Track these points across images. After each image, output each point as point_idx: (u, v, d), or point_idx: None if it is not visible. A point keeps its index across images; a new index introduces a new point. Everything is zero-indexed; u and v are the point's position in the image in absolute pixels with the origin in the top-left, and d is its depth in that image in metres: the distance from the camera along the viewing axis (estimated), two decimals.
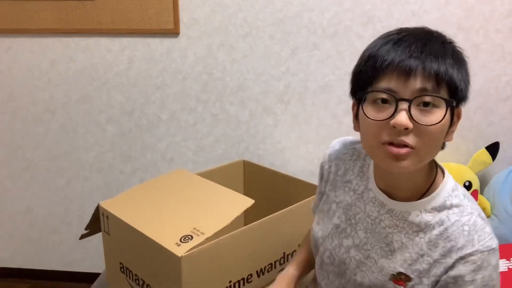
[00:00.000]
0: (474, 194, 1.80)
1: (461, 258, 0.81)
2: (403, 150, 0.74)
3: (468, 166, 1.83)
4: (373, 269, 0.89)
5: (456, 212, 0.83)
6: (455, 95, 0.77)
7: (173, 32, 1.92)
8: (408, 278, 0.85)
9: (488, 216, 1.80)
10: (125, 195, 1.37)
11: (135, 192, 1.39)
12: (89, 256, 2.27)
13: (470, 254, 0.80)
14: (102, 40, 1.98)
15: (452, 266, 0.81)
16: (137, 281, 1.24)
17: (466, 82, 0.80)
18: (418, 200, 0.85)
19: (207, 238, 1.11)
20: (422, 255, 0.84)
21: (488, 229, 0.82)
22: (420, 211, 0.84)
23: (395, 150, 0.74)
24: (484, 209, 1.81)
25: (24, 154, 2.16)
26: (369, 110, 0.78)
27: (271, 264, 1.30)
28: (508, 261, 1.53)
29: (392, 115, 0.74)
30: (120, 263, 1.29)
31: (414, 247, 0.85)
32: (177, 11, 1.90)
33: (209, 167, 1.72)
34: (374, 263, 0.89)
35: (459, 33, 1.81)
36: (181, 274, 1.05)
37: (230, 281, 1.19)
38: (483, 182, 1.88)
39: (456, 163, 1.86)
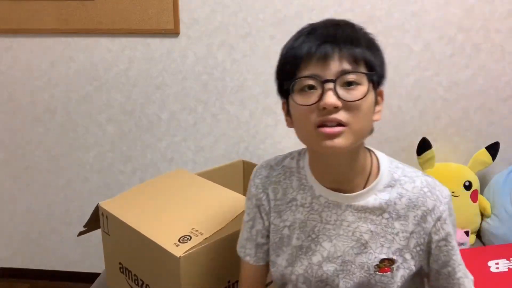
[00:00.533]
0: (474, 194, 1.80)
1: (439, 218, 0.86)
2: (337, 129, 0.77)
3: (468, 166, 1.83)
4: (354, 270, 0.88)
5: (407, 181, 0.88)
6: (373, 72, 0.81)
7: (173, 32, 1.92)
8: (391, 261, 0.87)
9: (488, 216, 1.80)
10: (125, 195, 1.37)
11: (134, 192, 1.39)
12: (89, 256, 2.27)
13: (443, 210, 0.86)
14: (102, 40, 1.98)
15: (435, 230, 0.86)
16: (136, 281, 1.24)
17: (382, 61, 0.83)
18: (366, 184, 0.87)
19: (206, 238, 1.11)
20: (396, 233, 0.87)
21: (435, 180, 0.89)
22: (375, 194, 0.87)
23: (328, 130, 0.77)
24: (484, 209, 1.81)
25: (24, 154, 2.16)
26: (298, 99, 0.80)
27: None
28: (508, 261, 1.53)
29: (320, 98, 0.77)
30: (120, 263, 1.29)
31: (385, 229, 0.87)
32: (177, 11, 1.90)
33: (209, 167, 1.73)
34: (352, 264, 0.88)
35: (459, 33, 1.81)
36: (180, 274, 1.05)
37: (229, 281, 1.19)
38: (483, 182, 1.87)
39: (456, 163, 1.86)
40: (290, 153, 1.00)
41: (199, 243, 1.09)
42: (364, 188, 0.87)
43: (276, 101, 1.94)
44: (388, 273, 0.87)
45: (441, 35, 1.81)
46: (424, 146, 1.80)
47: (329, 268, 0.90)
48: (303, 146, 0.92)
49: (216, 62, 1.95)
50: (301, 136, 0.85)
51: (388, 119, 1.91)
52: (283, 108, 0.90)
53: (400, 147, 1.94)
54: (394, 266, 0.87)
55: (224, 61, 1.94)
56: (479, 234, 1.85)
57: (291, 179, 0.95)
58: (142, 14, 1.91)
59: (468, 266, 1.30)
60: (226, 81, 1.96)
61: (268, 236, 0.99)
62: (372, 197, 0.87)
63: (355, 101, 0.77)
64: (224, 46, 1.93)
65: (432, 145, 1.80)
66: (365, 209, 0.87)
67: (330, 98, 0.76)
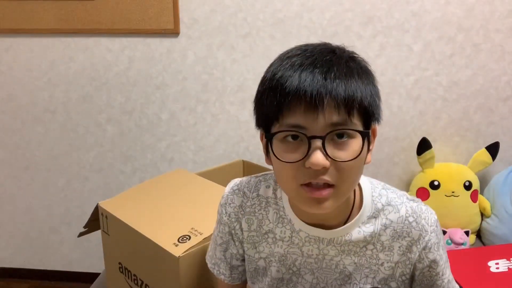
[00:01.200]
0: (474, 194, 1.80)
1: (424, 248, 0.82)
2: (325, 192, 0.69)
3: (468, 166, 1.83)
4: None
5: (392, 210, 0.82)
6: (368, 118, 0.72)
7: (173, 32, 1.92)
8: None
9: (488, 216, 1.80)
10: (124, 195, 1.37)
11: (134, 192, 1.39)
12: (89, 256, 2.27)
13: (429, 239, 0.81)
14: (102, 40, 1.98)
15: (420, 259, 0.82)
16: (135, 281, 1.24)
17: (377, 97, 0.73)
18: (349, 217, 0.81)
19: (205, 238, 1.11)
20: (381, 264, 0.83)
21: (421, 204, 0.83)
22: (359, 226, 0.81)
23: (316, 193, 0.69)
24: (484, 209, 1.81)
25: (24, 154, 2.16)
26: (280, 151, 0.71)
27: None
28: (508, 261, 1.53)
29: (306, 155, 0.68)
30: (119, 263, 1.29)
31: (370, 260, 0.83)
32: (177, 11, 1.90)
33: (209, 167, 1.72)
34: None
35: (459, 33, 1.80)
36: (179, 274, 1.05)
37: None
38: (483, 182, 1.87)
39: (456, 163, 1.86)
40: (265, 179, 0.91)
41: (198, 243, 1.09)
42: (346, 222, 0.81)
43: None
44: None
45: (441, 35, 1.81)
46: (424, 146, 1.80)
47: None
48: None
49: (216, 62, 1.95)
50: (285, 189, 0.78)
51: (388, 119, 1.91)
52: (261, 140, 0.80)
53: (400, 147, 1.94)
54: None
55: (224, 61, 1.94)
56: (479, 234, 1.85)
57: (267, 210, 0.87)
58: (142, 14, 1.91)
59: (468, 266, 1.30)
60: (226, 81, 1.96)
61: (243, 260, 0.94)
62: (356, 230, 0.81)
63: (346, 161, 0.69)
64: (224, 46, 1.93)
65: (432, 145, 1.80)
66: (348, 243, 0.82)
67: (318, 159, 0.67)
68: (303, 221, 0.83)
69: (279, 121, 0.70)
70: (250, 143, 2.02)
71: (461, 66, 1.84)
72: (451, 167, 1.83)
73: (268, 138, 0.73)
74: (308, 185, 0.70)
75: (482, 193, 1.86)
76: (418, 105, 1.89)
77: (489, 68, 1.83)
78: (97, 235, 1.43)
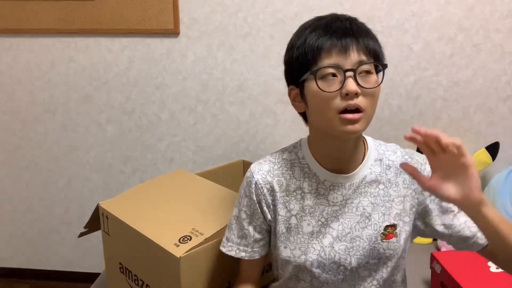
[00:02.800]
0: None
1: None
2: (357, 115, 0.86)
3: None
4: (363, 245, 0.96)
5: (391, 153, 1.01)
6: (380, 61, 0.92)
7: (173, 32, 1.92)
8: (393, 227, 0.96)
9: None
10: (125, 195, 1.37)
11: (134, 192, 1.39)
12: (89, 256, 2.27)
13: (425, 168, 0.98)
14: (102, 40, 1.98)
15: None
16: (136, 281, 1.24)
17: (383, 51, 0.94)
18: (362, 161, 0.97)
19: (206, 238, 1.11)
20: (392, 200, 0.97)
21: (411, 149, 1.03)
22: (370, 168, 0.98)
23: (350, 116, 0.86)
24: None
25: (24, 154, 2.16)
26: (322, 85, 0.87)
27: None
28: None
29: (343, 85, 0.85)
30: (120, 263, 1.29)
31: (383, 198, 0.97)
32: (177, 11, 1.90)
33: (209, 167, 1.72)
34: (360, 239, 0.96)
35: (459, 33, 1.81)
36: (180, 274, 1.05)
37: (229, 282, 1.19)
38: (483, 182, 1.87)
39: None
40: (285, 148, 1.05)
41: (199, 243, 1.08)
42: (360, 164, 0.97)
43: (276, 101, 1.95)
44: (394, 238, 0.96)
45: (441, 35, 1.82)
46: None
47: (340, 247, 0.96)
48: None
49: (216, 62, 1.95)
50: (321, 120, 0.91)
51: (388, 119, 1.91)
52: (290, 95, 0.97)
53: (400, 147, 1.94)
54: (397, 231, 0.96)
55: (224, 61, 1.94)
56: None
57: (293, 170, 1.00)
58: (142, 14, 1.91)
59: (468, 266, 1.30)
60: (226, 81, 1.96)
61: (266, 231, 1.03)
62: (368, 171, 0.97)
63: (372, 88, 0.87)
64: (224, 46, 1.93)
65: None
66: (364, 184, 0.97)
67: (352, 85, 0.84)
68: (327, 169, 0.97)
69: (318, 64, 0.87)
70: (250, 143, 2.02)
71: (461, 66, 1.84)
72: None
73: (312, 74, 0.88)
74: (344, 113, 0.86)
75: None
76: (418, 105, 1.89)
77: (489, 68, 1.83)
78: (97, 235, 1.43)
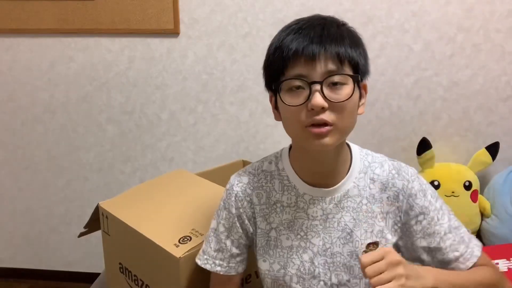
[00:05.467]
0: (474, 194, 1.80)
1: (410, 195, 0.92)
2: (324, 129, 0.81)
3: (468, 166, 1.83)
4: (344, 261, 0.93)
5: (377, 166, 0.95)
6: (357, 70, 0.84)
7: (173, 32, 1.92)
8: (376, 244, 0.93)
9: (488, 216, 1.80)
10: (125, 195, 1.37)
11: (134, 192, 1.39)
12: (89, 256, 2.27)
13: (412, 187, 0.92)
14: (102, 40, 1.98)
15: (410, 207, 0.92)
16: (136, 282, 1.24)
17: (365, 57, 0.87)
18: (347, 174, 0.93)
19: None
20: (375, 216, 0.93)
21: (400, 162, 0.97)
22: (353, 181, 0.93)
23: (317, 130, 0.81)
24: (484, 209, 1.81)
25: (24, 154, 2.16)
26: (287, 98, 0.83)
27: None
28: (508, 261, 1.53)
29: (308, 98, 0.80)
30: (120, 263, 1.29)
31: (366, 214, 0.93)
32: (177, 11, 1.90)
33: (209, 167, 1.72)
34: (340, 255, 0.93)
35: (459, 33, 1.81)
36: (179, 275, 1.05)
37: None
38: (483, 182, 1.87)
39: (456, 163, 1.86)
40: (265, 158, 1.02)
41: (199, 244, 1.08)
42: (345, 177, 0.93)
43: None
44: None
45: (441, 35, 1.81)
46: (424, 146, 1.80)
47: (320, 261, 0.93)
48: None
49: (216, 62, 1.95)
50: (290, 133, 0.89)
51: (388, 119, 1.91)
52: (270, 101, 0.93)
53: (400, 147, 1.94)
54: (380, 248, 0.91)
55: (224, 61, 1.94)
56: (479, 234, 1.85)
57: (273, 182, 0.97)
58: (142, 14, 1.91)
59: None
60: (226, 81, 1.96)
61: (245, 246, 1.01)
62: (351, 185, 0.93)
63: (340, 102, 0.81)
64: (224, 46, 1.93)
65: (432, 145, 1.80)
66: (346, 198, 0.92)
67: (318, 100, 0.79)
68: (306, 183, 0.93)
69: (285, 75, 0.83)
70: (250, 143, 2.02)
71: (461, 66, 1.84)
72: (451, 167, 1.83)
73: (275, 88, 0.85)
74: (311, 126, 0.81)
75: (482, 193, 1.86)
76: (418, 105, 1.89)
77: (489, 68, 1.83)
78: (97, 235, 1.43)
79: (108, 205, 1.29)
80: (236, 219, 0.98)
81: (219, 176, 1.62)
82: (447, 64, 1.84)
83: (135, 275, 1.24)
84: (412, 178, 0.94)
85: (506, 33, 1.79)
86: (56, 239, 2.27)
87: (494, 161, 1.80)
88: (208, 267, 1.01)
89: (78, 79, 2.04)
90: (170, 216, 1.22)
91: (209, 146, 2.05)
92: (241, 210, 0.98)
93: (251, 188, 0.98)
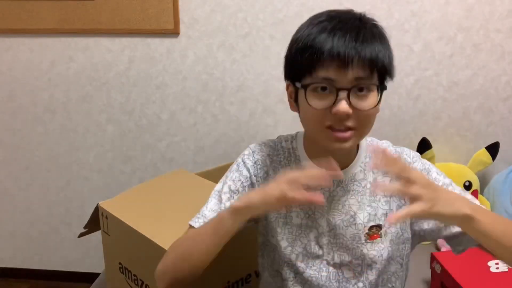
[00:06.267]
0: (474, 194, 1.80)
1: None
2: (347, 134, 0.81)
3: (468, 166, 1.83)
4: (346, 243, 0.93)
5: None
6: (384, 76, 0.85)
7: (173, 32, 1.92)
8: (378, 227, 0.93)
9: None
10: (125, 195, 1.37)
11: (134, 192, 1.39)
12: (89, 256, 2.27)
13: (415, 167, 0.94)
14: (102, 40, 1.98)
15: None
16: (136, 281, 1.24)
17: (391, 57, 0.87)
18: (355, 158, 0.94)
19: None
20: (379, 200, 0.94)
21: (402, 147, 0.99)
22: (360, 166, 0.94)
23: (339, 134, 0.81)
24: None
25: (24, 154, 2.16)
26: (311, 99, 0.82)
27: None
28: None
29: (334, 103, 0.79)
30: (119, 263, 1.29)
31: (370, 198, 0.93)
32: (177, 11, 1.90)
33: (209, 167, 1.72)
34: (343, 237, 0.93)
35: (459, 33, 1.80)
36: None
37: (229, 282, 1.19)
38: (483, 182, 1.87)
39: (456, 163, 1.86)
40: (282, 136, 1.02)
41: None
42: (351, 162, 0.94)
43: (276, 101, 1.95)
44: (378, 239, 0.93)
45: (441, 35, 1.81)
46: (424, 146, 1.80)
47: (324, 242, 0.94)
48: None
49: (216, 62, 1.95)
50: (308, 130, 0.90)
51: (388, 119, 1.91)
52: (287, 89, 0.91)
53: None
54: (382, 232, 0.93)
55: (224, 61, 1.94)
56: None
57: (289, 159, 0.98)
58: (142, 14, 1.91)
59: (468, 266, 1.30)
60: (226, 81, 1.96)
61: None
62: (358, 169, 0.94)
63: (366, 110, 0.81)
64: (224, 46, 1.93)
65: (432, 145, 1.80)
66: (353, 182, 0.93)
67: (344, 107, 0.78)
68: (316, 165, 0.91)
69: (312, 75, 0.81)
70: (250, 143, 2.01)
71: (461, 66, 1.84)
72: (451, 167, 1.83)
73: (303, 87, 0.82)
74: (331, 127, 0.81)
75: (482, 193, 1.86)
76: (418, 105, 1.89)
77: (489, 68, 1.83)
78: (97, 235, 1.43)
79: (108, 205, 1.29)
80: (247, 183, 0.96)
81: (219, 176, 1.62)
82: (447, 64, 1.84)
83: (135, 275, 1.24)
84: (414, 159, 0.96)
85: (506, 33, 1.79)
86: (56, 239, 2.27)
87: (494, 161, 1.80)
88: (196, 224, 0.94)
89: (78, 79, 2.04)
90: (170, 216, 1.22)
91: (209, 146, 2.05)
92: (256, 178, 0.96)
93: (270, 160, 0.98)
